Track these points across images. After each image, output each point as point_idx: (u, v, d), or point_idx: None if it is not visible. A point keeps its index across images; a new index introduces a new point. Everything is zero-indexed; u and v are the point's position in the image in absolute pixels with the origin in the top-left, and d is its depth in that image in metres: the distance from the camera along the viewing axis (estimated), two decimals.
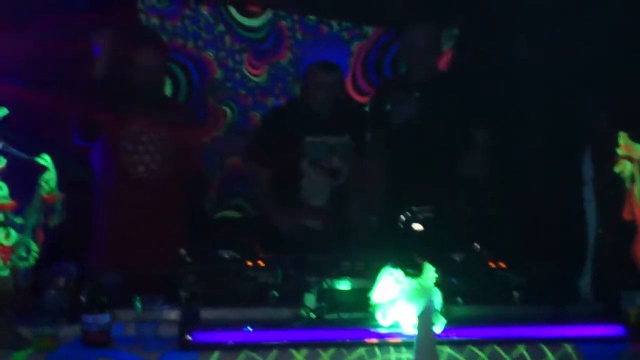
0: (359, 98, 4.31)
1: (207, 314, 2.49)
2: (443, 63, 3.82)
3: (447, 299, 2.41)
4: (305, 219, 3.31)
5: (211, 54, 4.16)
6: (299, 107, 3.34)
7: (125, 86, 3.18)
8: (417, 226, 2.68)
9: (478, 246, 2.79)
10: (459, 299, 2.60)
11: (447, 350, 2.40)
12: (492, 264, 2.71)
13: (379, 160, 3.40)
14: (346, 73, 3.44)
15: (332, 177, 3.32)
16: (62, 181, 2.33)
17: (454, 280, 2.62)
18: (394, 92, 3.36)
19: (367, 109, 3.69)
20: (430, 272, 2.35)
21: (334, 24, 4.22)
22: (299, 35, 4.21)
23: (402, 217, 2.69)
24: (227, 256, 2.65)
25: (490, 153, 3.38)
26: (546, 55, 3.42)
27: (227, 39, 4.17)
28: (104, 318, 2.34)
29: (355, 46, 4.29)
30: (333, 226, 3.31)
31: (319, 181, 3.30)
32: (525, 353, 2.42)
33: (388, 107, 3.35)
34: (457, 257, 2.73)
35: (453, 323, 2.40)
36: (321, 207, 3.31)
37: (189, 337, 2.35)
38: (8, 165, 2.30)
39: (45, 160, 2.31)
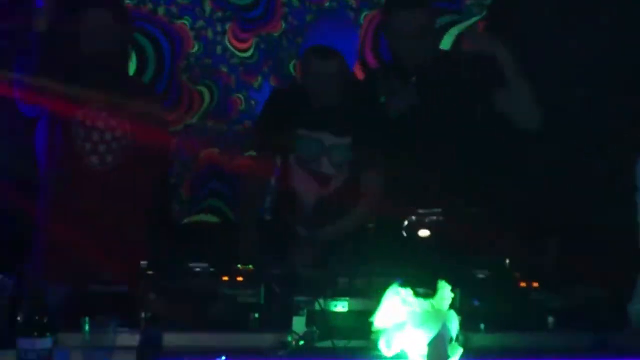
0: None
1: (172, 339, 2.46)
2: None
3: (467, 324, 2.39)
4: (296, 223, 3.29)
5: (186, 23, 4.13)
6: (298, 93, 3.32)
7: (75, 53, 3.13)
8: (423, 232, 2.64)
9: (507, 261, 2.75)
10: (481, 325, 2.58)
11: None
12: (522, 283, 2.70)
13: (376, 156, 3.35)
14: (353, 60, 3.37)
15: (320, 182, 3.29)
16: None
17: (476, 302, 2.60)
18: (387, 79, 3.32)
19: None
20: (445, 292, 2.33)
21: None
22: (295, 2, 4.18)
23: (406, 222, 2.64)
24: (198, 269, 2.63)
25: (518, 148, 3.34)
26: (591, 45, 3.38)
27: (207, 4, 4.14)
28: (45, 343, 2.28)
29: (364, 17, 4.25)
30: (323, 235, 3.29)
31: (305, 184, 3.29)
32: None
33: (382, 98, 3.30)
34: (479, 274, 2.71)
35: (473, 354, 2.38)
36: (307, 214, 3.30)
37: None
38: None
39: None
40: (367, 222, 3.41)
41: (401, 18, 3.23)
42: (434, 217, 2.64)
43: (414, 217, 2.63)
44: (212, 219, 4.13)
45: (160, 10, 4.10)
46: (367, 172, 3.30)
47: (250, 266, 2.68)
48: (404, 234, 2.64)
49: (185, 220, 4.09)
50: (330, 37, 3.23)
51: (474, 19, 4.20)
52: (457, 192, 3.16)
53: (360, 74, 4.11)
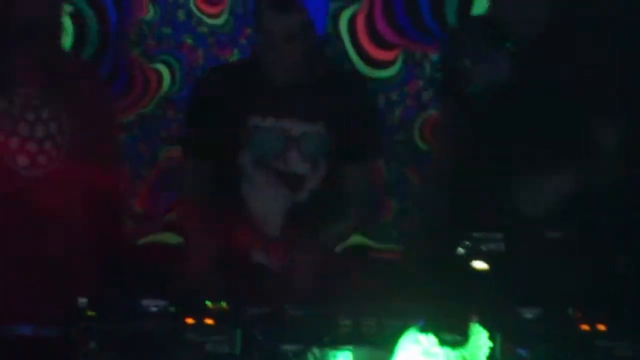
0: (380, 53, 4.31)
1: None
2: None
3: None
4: (255, 252, 3.32)
5: None
6: (251, 70, 3.34)
7: None
8: (478, 264, 2.67)
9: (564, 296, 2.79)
10: None
11: None
12: (585, 326, 2.71)
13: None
14: (320, 17, 3.39)
15: (290, 186, 3.31)
16: None
17: (523, 352, 2.60)
18: (473, 42, 3.30)
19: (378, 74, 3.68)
20: (480, 339, 2.37)
21: None
22: None
23: (460, 250, 2.67)
24: (154, 308, 2.64)
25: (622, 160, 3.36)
26: None
27: None
28: None
29: None
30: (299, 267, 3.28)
31: (268, 192, 3.30)
32: None
33: (466, 62, 3.28)
34: (527, 314, 2.72)
35: None
36: (273, 236, 3.31)
37: None
38: None
39: None
40: (349, 237, 3.44)
41: None
42: (494, 244, 2.67)
43: (468, 242, 2.66)
44: (173, 239, 4.19)
45: None
46: (357, 165, 3.34)
47: (223, 304, 2.71)
48: (454, 261, 2.66)
49: (141, 242, 4.15)
50: None
51: None
52: (530, 211, 3.20)
53: (371, 47, 4.20)
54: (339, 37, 4.37)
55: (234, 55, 4.24)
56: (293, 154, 3.29)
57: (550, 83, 3.27)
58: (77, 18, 4.12)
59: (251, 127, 3.28)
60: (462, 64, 3.29)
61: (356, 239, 4.35)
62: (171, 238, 4.19)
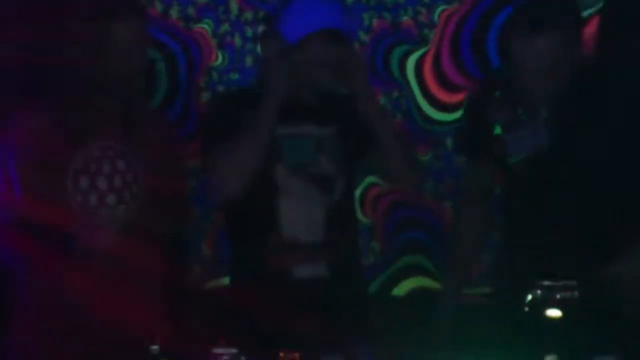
0: (445, 97, 4.31)
1: None
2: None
3: None
4: (295, 266, 3.28)
5: (207, 27, 4.22)
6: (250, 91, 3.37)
7: (81, 73, 3.18)
8: (552, 312, 2.63)
9: None
10: None
11: None
12: None
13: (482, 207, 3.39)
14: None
15: (324, 190, 3.30)
16: None
17: None
18: (503, 107, 3.28)
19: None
20: None
21: None
22: None
23: (529, 297, 2.63)
24: (226, 357, 2.62)
25: None
26: None
27: (233, 2, 4.25)
28: None
29: (439, 13, 4.29)
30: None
31: (306, 199, 3.30)
32: None
33: (497, 129, 3.26)
34: None
35: None
36: (315, 243, 3.29)
37: None
38: None
39: None
40: None
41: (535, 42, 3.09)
42: (568, 292, 2.63)
43: (539, 291, 2.62)
44: None
45: (173, 12, 4.21)
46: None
47: (296, 354, 2.69)
48: (525, 309, 2.62)
49: (209, 286, 4.16)
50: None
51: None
52: (592, 259, 3.15)
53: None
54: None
55: None
56: (322, 157, 3.30)
57: (578, 143, 3.21)
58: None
59: (279, 137, 3.26)
60: (494, 132, 3.28)
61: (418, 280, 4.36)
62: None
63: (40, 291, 3.18)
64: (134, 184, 3.21)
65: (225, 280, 4.13)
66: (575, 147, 3.21)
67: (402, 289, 4.41)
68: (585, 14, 4.10)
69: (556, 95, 3.20)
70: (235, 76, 4.24)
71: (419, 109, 4.44)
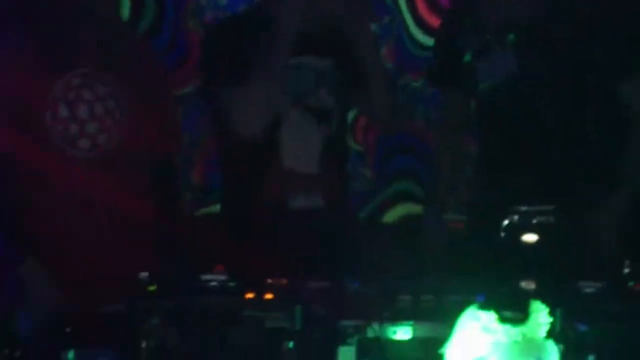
0: (436, 22, 4.27)
1: None
2: None
3: (571, 358, 2.40)
4: (296, 198, 3.32)
5: None
6: (264, 17, 3.33)
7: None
8: (529, 237, 2.65)
9: (626, 268, 2.76)
10: (591, 358, 2.57)
11: None
12: None
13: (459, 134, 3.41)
14: None
15: (322, 121, 3.33)
16: None
17: (583, 328, 2.59)
18: (473, 34, 3.29)
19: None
20: (541, 316, 2.34)
21: None
22: None
23: (506, 222, 2.65)
24: (214, 283, 2.65)
25: None
26: None
27: None
28: None
29: None
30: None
31: (304, 129, 3.32)
32: None
33: (467, 57, 3.28)
34: (588, 288, 2.69)
35: None
36: (313, 174, 3.32)
37: None
38: None
39: None
40: None
41: None
42: (544, 218, 2.65)
43: (516, 217, 2.64)
44: None
45: None
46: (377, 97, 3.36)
47: (283, 280, 2.71)
48: (501, 235, 2.64)
49: (198, 213, 4.16)
50: None
51: None
52: (570, 186, 3.20)
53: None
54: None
55: None
56: (322, 88, 3.31)
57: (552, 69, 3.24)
58: None
59: (289, 66, 3.28)
60: (464, 60, 3.28)
61: (407, 207, 4.38)
62: None
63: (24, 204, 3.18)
64: (117, 111, 3.19)
65: (216, 208, 4.17)
66: (545, 73, 3.23)
67: (392, 215, 4.43)
68: None
69: (525, 21, 3.23)
70: (223, 1, 4.19)
71: (410, 35, 4.41)
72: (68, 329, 2.65)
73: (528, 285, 2.49)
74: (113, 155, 3.19)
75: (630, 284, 2.74)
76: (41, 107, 3.14)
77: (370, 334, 2.56)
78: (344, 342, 2.54)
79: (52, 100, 3.14)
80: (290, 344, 2.59)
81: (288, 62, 3.26)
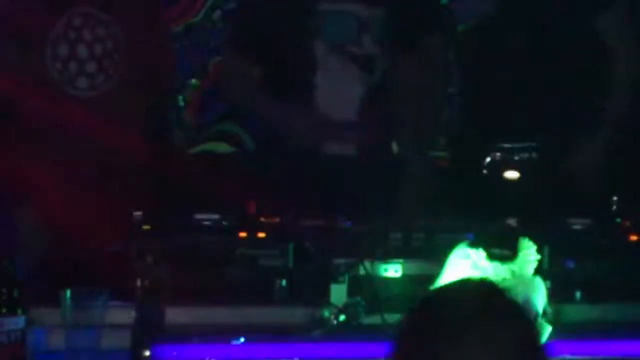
0: None
1: (176, 315, 2.53)
2: None
3: (559, 294, 2.42)
4: (327, 141, 3.30)
5: None
6: None
7: None
8: (510, 173, 2.68)
9: (613, 206, 2.78)
10: (578, 294, 2.62)
11: None
12: (634, 236, 2.71)
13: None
14: None
15: (364, 69, 3.30)
16: None
17: (571, 264, 2.62)
18: None
19: None
20: (529, 253, 2.34)
21: None
22: None
23: (488, 160, 2.68)
24: (208, 222, 2.66)
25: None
26: None
27: None
28: (16, 322, 2.36)
29: None
30: (372, 155, 3.33)
31: (343, 76, 3.29)
32: None
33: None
34: (576, 225, 2.72)
35: (567, 332, 2.40)
36: (349, 121, 3.30)
37: (146, 352, 2.39)
38: None
39: None
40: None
41: None
42: (526, 154, 2.66)
43: (498, 154, 2.65)
44: (224, 148, 4.20)
45: None
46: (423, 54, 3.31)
47: (276, 218, 2.73)
48: (484, 172, 2.66)
49: (193, 151, 4.17)
50: None
51: None
52: (552, 123, 3.20)
53: None
54: None
55: None
56: (365, 36, 3.28)
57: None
58: None
59: (321, 13, 3.26)
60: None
61: None
62: (221, 147, 4.20)
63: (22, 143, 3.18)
64: (115, 52, 3.19)
65: (210, 146, 4.19)
66: (523, 12, 3.23)
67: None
68: None
69: None
70: None
71: None
72: (64, 269, 2.67)
73: (514, 222, 2.52)
74: (108, 95, 3.19)
75: (618, 220, 2.77)
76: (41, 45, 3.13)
77: (361, 271, 2.58)
78: (336, 280, 2.55)
79: (53, 39, 3.14)
80: (283, 282, 2.62)
81: (320, 5, 3.23)
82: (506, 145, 2.69)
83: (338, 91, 3.30)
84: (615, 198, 2.79)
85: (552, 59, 3.26)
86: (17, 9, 3.14)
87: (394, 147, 3.43)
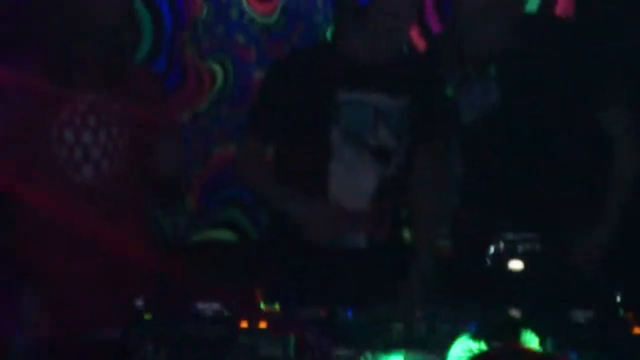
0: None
1: None
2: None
3: None
4: (339, 230, 3.29)
5: None
6: (331, 52, 3.35)
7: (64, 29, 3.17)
8: (514, 264, 2.68)
9: (617, 298, 2.77)
10: None
11: None
12: (637, 329, 2.70)
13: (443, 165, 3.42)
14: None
15: (379, 160, 3.31)
16: None
17: (574, 357, 2.59)
18: (456, 67, 3.30)
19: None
20: (531, 345, 2.36)
21: None
22: None
23: (492, 250, 2.68)
24: (209, 312, 2.66)
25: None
26: None
27: None
28: None
29: None
30: (384, 245, 3.31)
31: (358, 167, 3.30)
32: None
33: (449, 91, 3.30)
34: (579, 317, 2.72)
35: None
36: (362, 210, 3.30)
37: None
38: None
39: None
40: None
41: None
42: (529, 245, 2.66)
43: (502, 244, 2.65)
44: (228, 236, 4.22)
45: None
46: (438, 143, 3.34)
47: (277, 307, 2.72)
48: (487, 263, 2.66)
49: (195, 240, 4.18)
50: None
51: None
52: (555, 214, 3.20)
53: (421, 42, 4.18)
54: None
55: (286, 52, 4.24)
56: (382, 127, 3.29)
57: (532, 100, 3.25)
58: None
59: (339, 102, 3.26)
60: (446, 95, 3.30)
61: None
62: (224, 235, 4.21)
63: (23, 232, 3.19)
64: (119, 137, 3.21)
65: (211, 234, 4.19)
66: (526, 105, 3.26)
67: None
68: None
69: (505, 54, 3.24)
70: (220, 29, 4.22)
71: None
72: (64, 353, 2.65)
73: (517, 314, 2.51)
74: (113, 181, 3.21)
75: (621, 312, 2.76)
76: (46, 132, 3.17)
77: None
78: None
79: (59, 125, 3.18)
80: None
81: (338, 95, 3.24)
82: (509, 236, 2.69)
83: (352, 181, 3.29)
84: (618, 290, 2.78)
85: (555, 151, 3.28)
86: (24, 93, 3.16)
87: (405, 236, 3.44)
